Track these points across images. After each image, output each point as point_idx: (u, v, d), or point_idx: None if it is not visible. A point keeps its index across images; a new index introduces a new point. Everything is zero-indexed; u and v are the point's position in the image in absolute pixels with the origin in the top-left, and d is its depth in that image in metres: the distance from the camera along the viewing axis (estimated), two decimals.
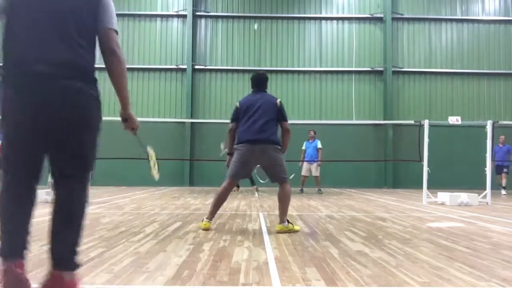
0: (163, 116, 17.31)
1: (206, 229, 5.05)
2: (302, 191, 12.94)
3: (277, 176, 5.17)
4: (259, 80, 5.52)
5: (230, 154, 5.41)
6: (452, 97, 17.66)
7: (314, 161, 12.86)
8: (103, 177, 14.33)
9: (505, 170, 13.65)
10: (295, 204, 8.95)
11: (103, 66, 2.53)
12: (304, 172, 13.06)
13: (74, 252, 2.30)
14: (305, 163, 12.96)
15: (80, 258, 2.34)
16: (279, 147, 5.20)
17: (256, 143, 5.08)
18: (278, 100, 5.30)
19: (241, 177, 5.43)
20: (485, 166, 9.99)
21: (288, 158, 13.46)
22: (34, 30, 2.24)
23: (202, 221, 5.19)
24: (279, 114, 5.23)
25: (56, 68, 2.23)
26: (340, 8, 17.96)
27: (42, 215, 7.00)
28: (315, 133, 13.08)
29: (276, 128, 5.23)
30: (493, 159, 13.26)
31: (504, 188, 13.59)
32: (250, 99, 5.39)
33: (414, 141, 10.28)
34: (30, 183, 2.35)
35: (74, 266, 2.29)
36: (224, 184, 5.25)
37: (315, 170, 12.99)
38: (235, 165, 5.21)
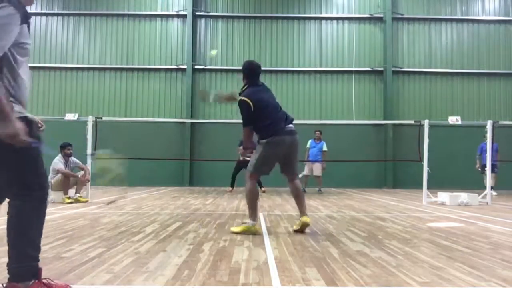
0: (163, 116, 17.31)
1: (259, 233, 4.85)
2: (304, 191, 12.95)
3: (295, 169, 5.17)
4: (256, 70, 5.21)
5: (246, 148, 5.25)
6: (452, 97, 17.65)
7: (317, 161, 12.83)
8: (103, 177, 14.32)
9: (495, 170, 13.39)
10: (295, 204, 8.94)
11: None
12: (306, 171, 13.06)
13: (19, 266, 2.35)
14: (307, 162, 12.97)
15: (28, 270, 2.38)
16: None
17: (293, 134, 5.05)
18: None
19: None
20: (485, 166, 9.97)
21: None
22: None
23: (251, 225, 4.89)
24: None
25: None
26: (340, 8, 17.95)
27: None
28: (321, 133, 13.06)
29: None
30: (479, 158, 13.13)
31: (492, 188, 13.29)
32: (261, 93, 5.07)
33: (414, 141, 10.27)
34: None
35: (19, 278, 2.34)
36: (251, 182, 5.04)
37: (317, 170, 12.97)
38: (269, 159, 5.00)
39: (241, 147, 11.79)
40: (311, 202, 9.56)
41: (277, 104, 5.16)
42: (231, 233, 4.93)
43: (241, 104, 4.98)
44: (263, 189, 12.48)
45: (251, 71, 5.13)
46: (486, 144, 13.02)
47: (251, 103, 4.93)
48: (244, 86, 5.13)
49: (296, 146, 5.09)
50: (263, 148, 4.98)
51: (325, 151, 12.96)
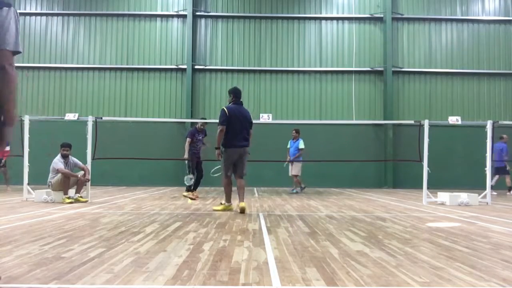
0: (163, 116, 17.31)
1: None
2: (297, 192, 12.84)
3: (242, 170, 7.45)
4: (240, 93, 7.76)
5: (217, 148, 7.39)
6: (452, 97, 17.65)
7: (295, 161, 12.64)
8: (103, 177, 14.34)
9: (507, 169, 13.39)
10: (295, 204, 8.96)
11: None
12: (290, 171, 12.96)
13: None
14: (290, 163, 12.79)
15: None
16: None
17: (242, 147, 7.43)
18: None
19: None
20: (485, 166, 9.97)
21: (276, 158, 13.25)
22: None
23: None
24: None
25: None
26: (340, 8, 17.95)
27: (42, 215, 6.99)
28: (297, 132, 12.92)
29: None
30: (494, 158, 13.10)
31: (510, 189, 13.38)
32: (237, 111, 7.47)
33: (414, 141, 10.27)
34: None
35: None
36: (226, 179, 7.49)
37: (294, 169, 12.73)
38: (227, 161, 7.43)
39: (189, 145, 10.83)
40: (311, 202, 9.57)
41: (246, 124, 7.46)
42: (212, 210, 7.33)
43: (221, 111, 7.48)
44: (195, 193, 10.64)
45: (235, 93, 7.67)
46: (500, 144, 13.08)
47: (227, 112, 7.35)
48: (229, 102, 7.63)
49: (244, 155, 7.40)
50: (224, 154, 7.36)
51: (301, 148, 12.75)
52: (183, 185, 16.58)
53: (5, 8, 2.58)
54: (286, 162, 13.05)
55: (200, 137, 10.79)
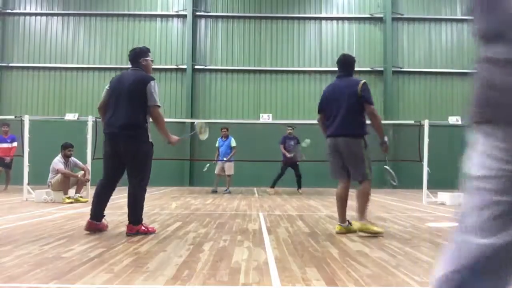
0: (163, 116, 17.27)
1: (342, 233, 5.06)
2: (215, 191, 12.43)
3: (350, 172, 5.29)
4: (343, 65, 5.34)
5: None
6: (452, 97, 17.65)
7: (228, 160, 12.31)
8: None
9: None
10: (295, 204, 8.96)
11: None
12: (217, 171, 12.47)
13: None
14: (218, 162, 12.40)
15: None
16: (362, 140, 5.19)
17: (333, 137, 5.19)
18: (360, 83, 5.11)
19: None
20: None
21: (276, 158, 13.13)
22: None
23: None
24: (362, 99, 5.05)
25: None
26: (340, 8, 17.95)
27: (42, 215, 6.98)
28: (227, 130, 12.51)
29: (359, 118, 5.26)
30: None
31: None
32: (331, 87, 5.35)
33: (414, 141, 10.27)
34: None
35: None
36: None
37: (228, 168, 12.33)
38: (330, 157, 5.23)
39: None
40: (311, 202, 9.56)
41: (341, 102, 5.08)
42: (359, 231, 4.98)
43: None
44: (274, 189, 12.46)
45: (337, 64, 5.34)
46: None
47: (323, 92, 5.38)
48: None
49: (344, 149, 5.29)
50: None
51: (233, 146, 12.31)
52: (184, 185, 16.65)
53: (153, 81, 4.96)
54: (214, 162, 12.61)
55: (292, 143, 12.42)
